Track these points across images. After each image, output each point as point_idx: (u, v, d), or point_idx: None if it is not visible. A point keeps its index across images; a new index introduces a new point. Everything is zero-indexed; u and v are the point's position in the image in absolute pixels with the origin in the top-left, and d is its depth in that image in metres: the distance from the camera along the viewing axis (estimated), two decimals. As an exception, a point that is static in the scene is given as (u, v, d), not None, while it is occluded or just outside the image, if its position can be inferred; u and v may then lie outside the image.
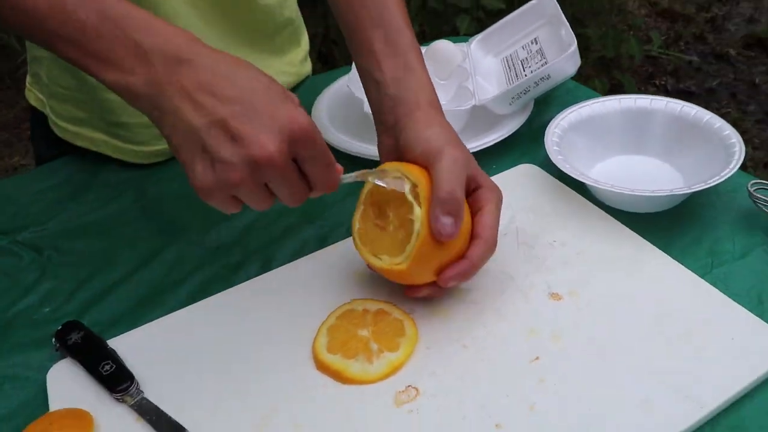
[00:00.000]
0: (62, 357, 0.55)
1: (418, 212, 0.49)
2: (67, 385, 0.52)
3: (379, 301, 0.55)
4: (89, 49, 0.44)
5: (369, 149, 0.70)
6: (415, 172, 0.51)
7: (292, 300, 0.57)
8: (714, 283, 0.54)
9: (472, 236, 0.52)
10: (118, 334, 0.56)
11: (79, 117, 0.75)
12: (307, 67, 0.91)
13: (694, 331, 0.51)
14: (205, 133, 0.42)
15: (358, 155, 0.72)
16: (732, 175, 0.59)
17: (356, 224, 0.53)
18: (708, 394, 0.46)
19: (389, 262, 0.51)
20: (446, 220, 0.48)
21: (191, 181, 0.44)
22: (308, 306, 0.56)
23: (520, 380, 0.48)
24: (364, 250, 0.53)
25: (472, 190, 0.54)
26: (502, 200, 0.55)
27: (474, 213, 0.53)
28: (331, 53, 1.89)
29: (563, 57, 0.70)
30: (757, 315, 0.51)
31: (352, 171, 0.52)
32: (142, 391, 0.51)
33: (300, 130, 0.43)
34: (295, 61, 0.87)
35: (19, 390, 0.54)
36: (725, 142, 0.63)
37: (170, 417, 0.48)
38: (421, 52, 0.58)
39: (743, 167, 0.61)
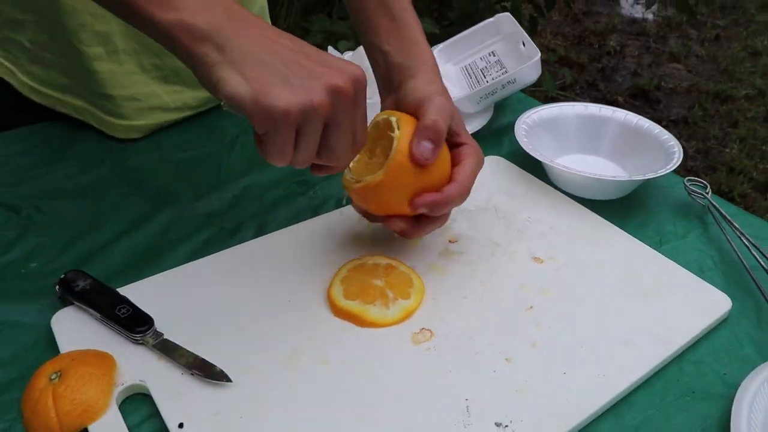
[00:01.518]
0: (65, 305, 0.54)
1: (397, 132, 0.53)
2: (76, 329, 0.52)
3: (385, 257, 0.59)
4: (142, 6, 0.44)
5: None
6: (402, 114, 0.55)
7: (296, 257, 0.60)
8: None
9: (450, 179, 0.56)
10: (119, 286, 0.56)
11: (63, 83, 0.74)
12: None
13: (656, 289, 0.59)
14: (285, 64, 0.44)
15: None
16: (671, 173, 0.70)
17: (350, 164, 0.57)
18: (674, 336, 0.54)
19: (370, 179, 0.53)
20: (426, 144, 0.52)
21: (262, 102, 0.43)
22: (313, 262, 0.59)
23: (520, 324, 0.54)
24: (348, 175, 0.56)
25: (455, 145, 0.57)
26: (482, 162, 0.58)
27: (454, 165, 0.57)
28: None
29: (529, 64, 0.80)
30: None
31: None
32: (162, 333, 0.51)
33: (361, 76, 0.46)
34: None
35: (20, 335, 0.53)
36: (665, 145, 0.74)
37: (197, 354, 0.50)
38: (422, 29, 0.62)
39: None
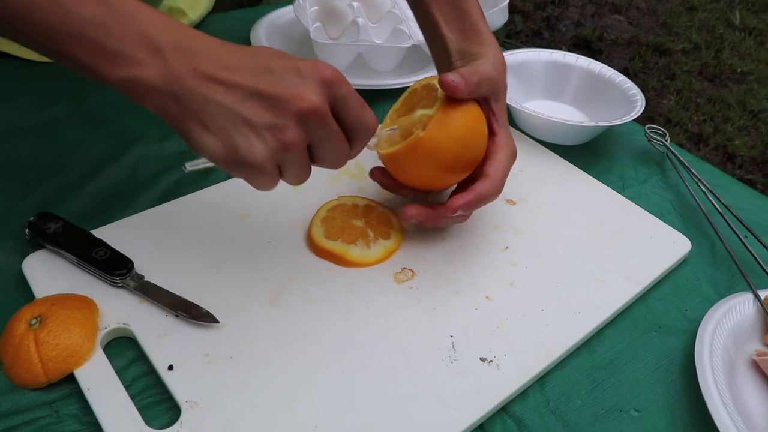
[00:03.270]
0: (35, 249, 0.52)
1: (441, 92, 0.52)
2: (50, 273, 0.50)
3: (364, 198, 0.59)
4: (96, 44, 0.40)
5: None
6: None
7: (272, 198, 0.59)
8: (628, 199, 0.66)
9: (482, 174, 0.53)
10: (91, 228, 0.54)
11: None
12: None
13: (621, 231, 0.62)
14: (244, 107, 0.41)
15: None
16: (631, 121, 0.72)
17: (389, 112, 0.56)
18: (641, 275, 0.57)
19: (407, 141, 0.52)
20: (456, 77, 0.50)
21: (235, 160, 0.41)
22: (289, 203, 0.59)
23: (497, 264, 0.56)
24: (374, 142, 0.52)
25: (491, 132, 0.55)
26: (515, 154, 0.55)
27: (488, 156, 0.54)
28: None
29: (497, 9, 0.80)
30: (661, 222, 0.64)
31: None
32: (142, 275, 0.50)
33: (330, 74, 0.42)
34: None
35: (-14, 281, 0.51)
36: (626, 93, 0.76)
37: (179, 296, 0.49)
38: (483, 14, 0.58)
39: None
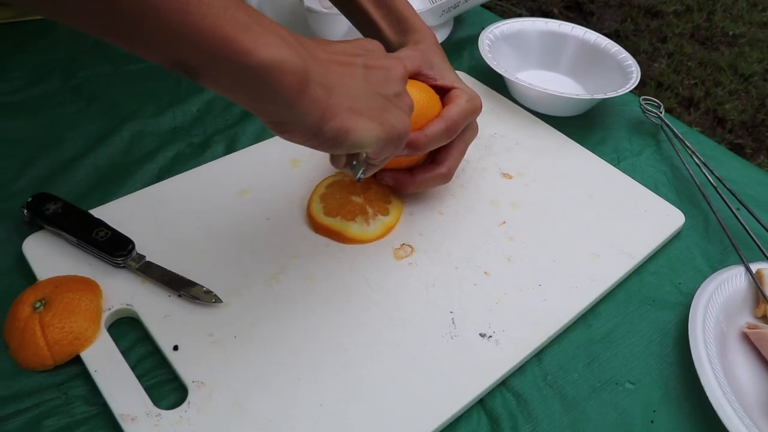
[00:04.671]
0: (33, 230, 0.52)
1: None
2: (50, 254, 0.50)
3: (362, 176, 0.59)
4: (244, 23, 0.34)
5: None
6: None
7: (269, 174, 0.59)
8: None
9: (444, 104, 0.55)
10: (89, 207, 0.54)
11: None
12: None
13: (616, 204, 0.62)
14: (372, 82, 0.42)
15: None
16: (626, 93, 0.72)
17: None
18: (635, 249, 0.58)
19: None
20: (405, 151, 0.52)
21: (398, 131, 0.43)
22: (287, 179, 0.59)
23: (494, 239, 0.57)
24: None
25: (442, 90, 0.56)
26: (477, 104, 0.56)
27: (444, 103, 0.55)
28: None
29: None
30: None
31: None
32: (144, 255, 0.51)
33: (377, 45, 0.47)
34: None
35: (-11, 262, 0.50)
36: (622, 64, 0.76)
37: (182, 276, 0.49)
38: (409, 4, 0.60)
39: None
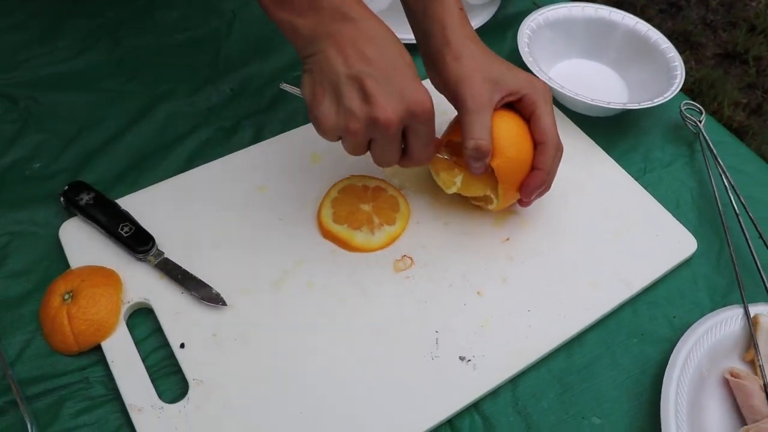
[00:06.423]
0: (70, 215, 0.57)
1: None
2: (83, 242, 0.56)
3: (374, 178, 0.62)
4: None
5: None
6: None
7: (289, 169, 0.62)
8: (645, 186, 0.66)
9: (536, 144, 0.55)
10: (120, 194, 0.59)
11: None
12: None
13: (627, 226, 0.62)
14: (344, 81, 0.47)
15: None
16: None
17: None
18: (635, 278, 0.58)
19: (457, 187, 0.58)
20: (476, 164, 0.53)
21: (313, 111, 0.49)
22: (305, 175, 0.62)
23: (493, 257, 0.58)
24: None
25: (517, 101, 0.55)
26: (549, 96, 0.56)
27: (528, 118, 0.55)
28: None
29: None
30: (674, 216, 0.64)
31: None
32: (162, 252, 0.56)
33: (422, 111, 0.48)
34: None
35: (31, 246, 0.57)
36: (669, 63, 0.73)
37: (194, 275, 0.54)
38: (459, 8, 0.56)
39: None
